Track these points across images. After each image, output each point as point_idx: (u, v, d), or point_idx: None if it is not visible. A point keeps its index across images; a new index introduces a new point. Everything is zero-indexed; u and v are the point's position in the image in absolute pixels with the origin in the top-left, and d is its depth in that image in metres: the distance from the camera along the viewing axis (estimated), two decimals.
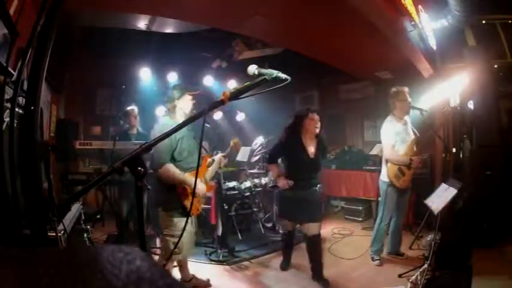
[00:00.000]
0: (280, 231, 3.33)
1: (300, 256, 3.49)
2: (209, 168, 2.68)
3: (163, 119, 2.51)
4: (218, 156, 2.75)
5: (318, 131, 2.79)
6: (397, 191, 3.12)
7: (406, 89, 3.17)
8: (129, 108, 4.39)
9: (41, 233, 1.59)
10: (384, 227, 3.22)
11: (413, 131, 3.27)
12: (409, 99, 3.16)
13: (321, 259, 2.85)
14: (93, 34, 4.10)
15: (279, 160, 3.01)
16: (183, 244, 2.40)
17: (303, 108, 2.92)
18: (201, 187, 2.48)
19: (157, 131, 2.37)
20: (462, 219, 3.14)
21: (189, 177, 2.33)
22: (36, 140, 1.61)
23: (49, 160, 2.20)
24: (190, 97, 2.47)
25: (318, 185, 2.84)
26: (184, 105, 2.46)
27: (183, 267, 2.69)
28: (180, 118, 2.43)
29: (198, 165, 1.60)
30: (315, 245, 2.83)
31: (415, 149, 3.22)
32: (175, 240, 2.34)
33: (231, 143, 2.84)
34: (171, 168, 2.31)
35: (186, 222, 1.93)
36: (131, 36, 4.11)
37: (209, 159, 2.73)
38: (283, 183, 2.79)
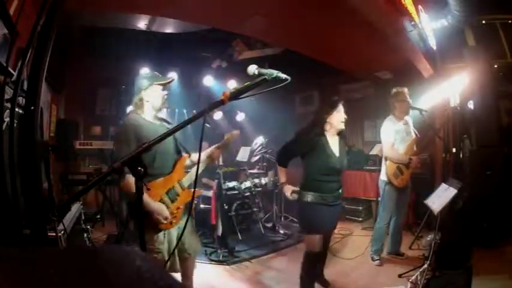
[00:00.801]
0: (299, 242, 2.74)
1: (300, 256, 3.49)
2: (191, 172, 2.05)
3: (130, 116, 2.02)
4: (209, 150, 2.15)
5: (343, 126, 2.41)
6: (396, 189, 3.12)
7: (405, 90, 3.18)
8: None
9: (41, 233, 1.59)
10: (383, 226, 3.22)
11: (414, 131, 3.28)
12: (409, 100, 3.16)
13: (325, 260, 2.79)
14: (93, 34, 4.11)
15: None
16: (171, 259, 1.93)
17: (331, 99, 2.45)
18: (157, 207, 1.82)
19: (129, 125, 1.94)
20: (462, 219, 3.14)
21: (146, 197, 1.74)
22: (36, 140, 1.61)
23: (49, 160, 2.20)
24: (160, 87, 2.01)
25: (341, 188, 2.50)
26: (153, 98, 2.00)
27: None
28: (149, 113, 2.01)
29: (197, 172, 1.41)
30: (326, 248, 2.70)
31: (415, 148, 3.22)
32: (159, 256, 1.90)
33: (226, 136, 2.23)
34: (129, 179, 1.71)
35: (179, 240, 1.66)
36: (131, 36, 4.12)
37: (188, 161, 2.13)
38: (289, 193, 2.40)
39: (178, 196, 1.96)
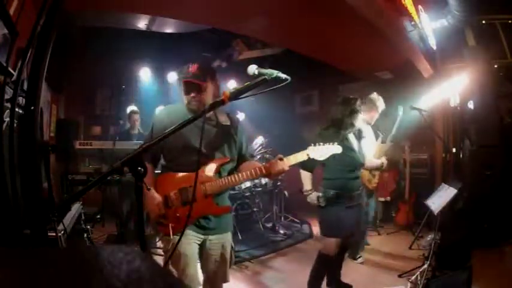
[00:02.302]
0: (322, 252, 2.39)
1: (300, 256, 3.49)
2: (217, 181, 1.58)
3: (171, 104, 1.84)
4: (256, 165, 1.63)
5: (361, 124, 2.51)
6: (367, 192, 3.20)
7: (381, 101, 3.13)
8: (131, 109, 4.40)
9: (41, 233, 1.59)
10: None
11: (376, 133, 3.23)
12: (379, 112, 3.14)
13: (341, 265, 2.69)
14: (93, 34, 4.11)
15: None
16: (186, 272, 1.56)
17: (354, 104, 2.35)
18: (149, 196, 1.51)
19: (155, 115, 1.77)
20: (462, 219, 3.14)
21: (152, 192, 1.52)
22: (36, 140, 1.61)
23: (49, 160, 2.20)
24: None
25: (361, 186, 2.51)
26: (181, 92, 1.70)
27: None
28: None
29: (195, 181, 1.25)
30: (344, 252, 2.62)
31: (377, 150, 3.15)
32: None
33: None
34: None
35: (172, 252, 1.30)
36: (131, 36, 4.12)
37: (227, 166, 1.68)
38: (317, 200, 2.27)
39: (195, 202, 1.46)
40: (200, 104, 1.61)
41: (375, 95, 3.18)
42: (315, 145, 1.64)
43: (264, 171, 1.56)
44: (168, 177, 1.62)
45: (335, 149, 1.69)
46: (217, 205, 1.62)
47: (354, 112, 2.34)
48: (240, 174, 1.59)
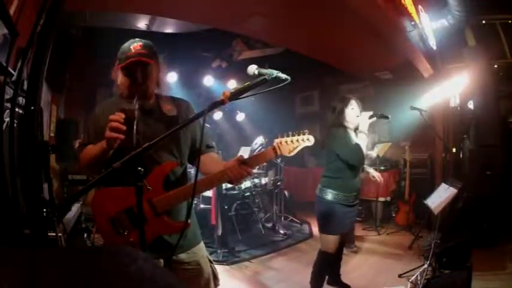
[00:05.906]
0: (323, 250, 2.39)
1: (300, 256, 3.49)
2: (172, 192, 1.22)
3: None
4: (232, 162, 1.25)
5: (358, 122, 2.50)
6: None
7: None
8: None
9: (41, 233, 1.59)
10: None
11: None
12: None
13: (340, 263, 2.77)
14: (93, 34, 4.10)
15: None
16: None
17: (343, 96, 2.51)
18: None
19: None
20: (462, 219, 3.15)
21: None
22: (36, 140, 1.61)
23: (49, 160, 2.20)
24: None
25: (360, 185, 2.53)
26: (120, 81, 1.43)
27: None
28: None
29: (195, 186, 1.09)
30: (341, 249, 2.67)
31: None
32: None
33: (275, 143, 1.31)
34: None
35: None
36: (131, 36, 4.11)
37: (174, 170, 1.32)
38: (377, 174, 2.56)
39: (145, 224, 1.10)
40: (144, 93, 1.33)
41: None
42: (282, 137, 1.29)
43: (222, 178, 1.24)
44: (108, 193, 1.26)
45: (306, 142, 1.31)
46: (173, 222, 1.26)
47: (342, 111, 2.39)
48: (195, 177, 1.16)
